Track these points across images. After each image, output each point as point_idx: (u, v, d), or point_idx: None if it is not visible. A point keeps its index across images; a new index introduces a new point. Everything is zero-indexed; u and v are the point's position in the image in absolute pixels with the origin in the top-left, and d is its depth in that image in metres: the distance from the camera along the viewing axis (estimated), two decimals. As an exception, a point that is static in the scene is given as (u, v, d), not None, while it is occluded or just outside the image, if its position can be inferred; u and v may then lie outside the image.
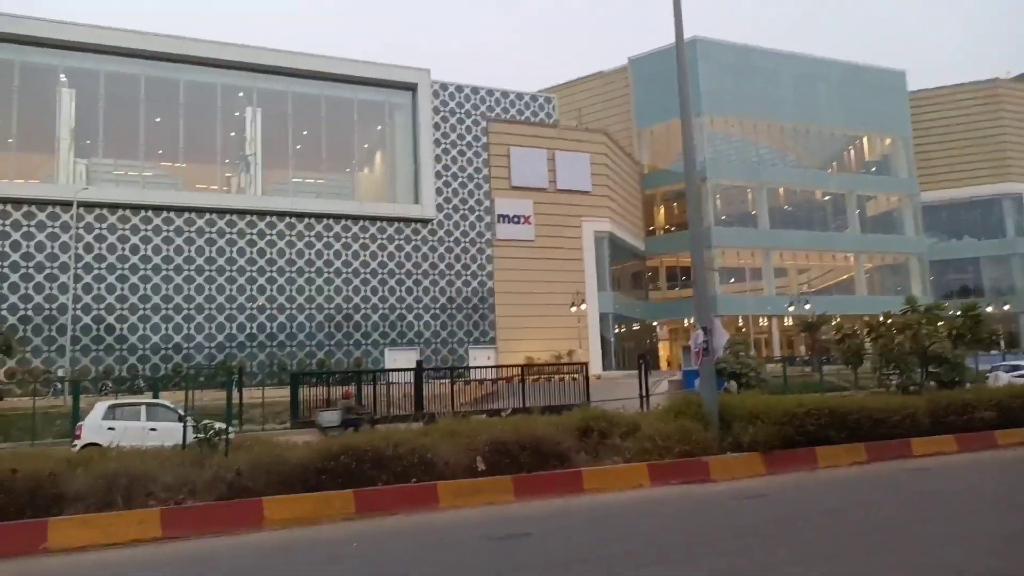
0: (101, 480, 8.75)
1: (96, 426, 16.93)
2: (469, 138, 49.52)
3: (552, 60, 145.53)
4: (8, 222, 38.99)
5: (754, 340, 56.40)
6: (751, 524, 8.83)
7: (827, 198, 66.21)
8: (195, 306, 41.95)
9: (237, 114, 45.57)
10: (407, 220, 47.21)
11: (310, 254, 44.75)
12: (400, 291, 46.61)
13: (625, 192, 57.67)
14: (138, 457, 9.55)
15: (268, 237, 43.98)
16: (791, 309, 56.42)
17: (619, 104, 64.36)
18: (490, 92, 51.13)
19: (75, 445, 16.38)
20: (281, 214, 44.33)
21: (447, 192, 48.44)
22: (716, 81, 59.10)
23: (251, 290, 43.19)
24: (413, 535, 8.92)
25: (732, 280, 65.12)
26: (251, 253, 43.47)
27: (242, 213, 43.57)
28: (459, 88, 50.04)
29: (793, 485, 11.61)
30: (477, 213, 48.95)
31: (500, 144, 49.84)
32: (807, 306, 53.67)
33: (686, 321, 58.81)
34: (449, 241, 48.08)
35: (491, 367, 33.01)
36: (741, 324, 59.78)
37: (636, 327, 59.09)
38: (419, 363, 29.17)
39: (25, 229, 39.20)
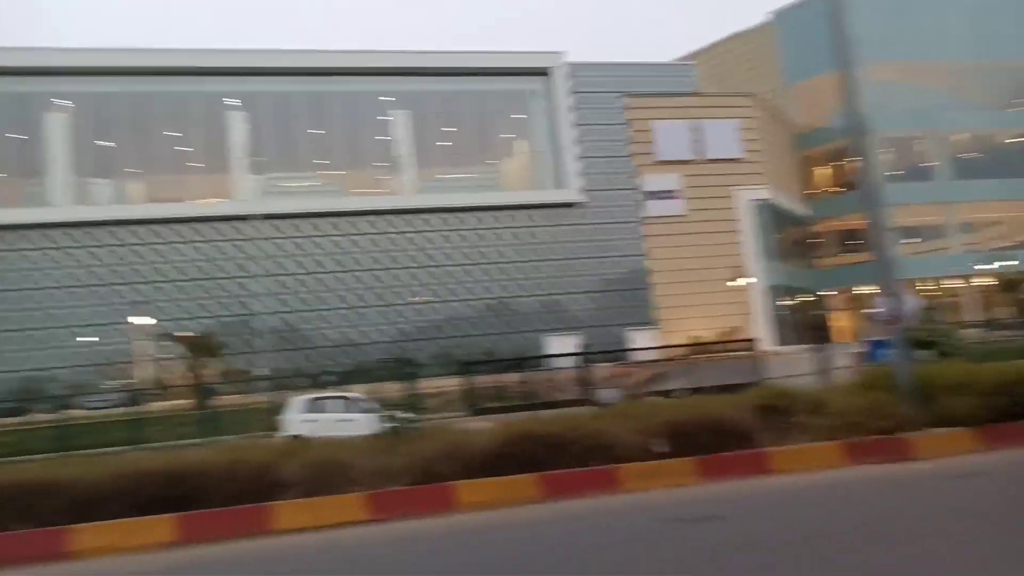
0: (310, 468, 9.54)
1: (297, 419, 18.43)
2: (609, 117, 48.70)
3: (686, 28, 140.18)
4: (201, 238, 43.41)
5: (943, 304, 51.58)
6: (971, 505, 8.06)
7: (1016, 140, 58.95)
8: (367, 304, 44.66)
9: (385, 118, 47.87)
10: (553, 206, 47.46)
11: (465, 247, 46.21)
12: (554, 277, 46.99)
13: (779, 155, 54.55)
14: (339, 447, 10.30)
15: (425, 233, 45.94)
16: (982, 267, 50.93)
17: (764, 63, 60.72)
18: (626, 67, 50.02)
19: (279, 437, 17.90)
20: (433, 211, 46.13)
21: (591, 174, 48.04)
22: (875, 24, 54.12)
23: (416, 285, 45.35)
24: (604, 516, 8.97)
25: (911, 240, 59.79)
26: (412, 250, 45.60)
27: (398, 213, 45.82)
28: (593, 67, 49.27)
29: (1013, 462, 10.48)
30: (624, 192, 48.19)
31: (641, 120, 48.69)
32: (998, 264, 48.12)
33: (859, 289, 54.74)
34: (598, 223, 47.70)
35: (654, 348, 32.49)
36: (925, 287, 54.78)
37: (804, 298, 55.86)
38: (585, 347, 29.31)
39: (215, 243, 43.48)
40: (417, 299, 45.04)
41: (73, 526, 8.67)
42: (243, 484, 9.26)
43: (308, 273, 44.37)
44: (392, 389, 26.71)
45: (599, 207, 47.78)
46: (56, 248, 42.35)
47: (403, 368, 32.97)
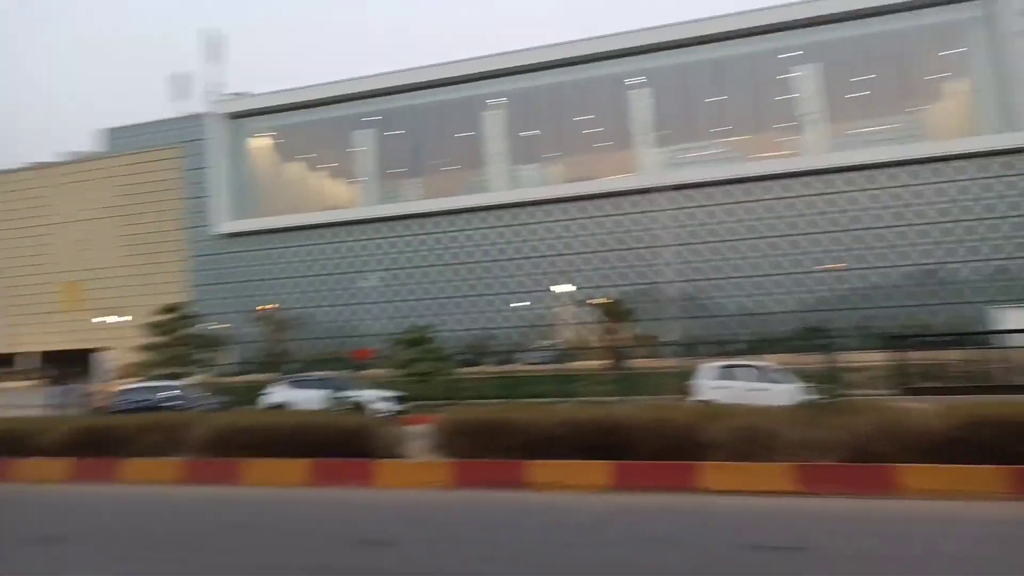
0: (735, 433, 9.59)
1: (708, 385, 18.66)
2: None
3: None
4: (613, 211, 46.48)
5: None
6: None
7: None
8: (778, 272, 43.07)
9: (788, 75, 45.01)
10: (999, 152, 39.42)
11: (892, 206, 41.36)
12: (1004, 238, 39.29)
13: None
14: (763, 415, 10.14)
15: (841, 194, 42.34)
16: None
17: None
18: None
19: (690, 400, 18.34)
20: (848, 169, 42.19)
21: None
22: None
23: (836, 251, 42.19)
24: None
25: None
26: (828, 212, 42.46)
27: (809, 174, 42.93)
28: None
29: None
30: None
31: None
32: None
33: None
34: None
35: None
36: None
37: None
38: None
39: (623, 217, 46.16)
40: (834, 265, 41.83)
41: (527, 461, 10.12)
42: (669, 440, 9.74)
43: (716, 241, 44.49)
44: (805, 361, 25.39)
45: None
46: (492, 227, 49.70)
47: (817, 339, 31.05)
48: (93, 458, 12.25)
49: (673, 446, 9.77)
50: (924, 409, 11.00)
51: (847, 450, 9.35)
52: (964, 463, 8.92)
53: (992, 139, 40.30)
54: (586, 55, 47.91)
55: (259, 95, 57.83)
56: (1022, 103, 39.36)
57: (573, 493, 9.55)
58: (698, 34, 45.48)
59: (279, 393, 22.19)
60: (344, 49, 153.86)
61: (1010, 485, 8.59)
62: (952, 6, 41.98)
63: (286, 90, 56.54)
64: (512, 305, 48.73)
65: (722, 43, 45.55)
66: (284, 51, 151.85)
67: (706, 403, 15.76)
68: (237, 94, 59.07)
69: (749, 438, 9.52)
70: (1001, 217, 39.57)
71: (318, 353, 48.29)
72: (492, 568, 6.48)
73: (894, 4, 42.19)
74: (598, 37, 47.84)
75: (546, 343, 46.04)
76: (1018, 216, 39.31)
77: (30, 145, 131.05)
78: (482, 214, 49.99)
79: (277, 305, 52.28)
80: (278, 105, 56.30)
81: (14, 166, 65.10)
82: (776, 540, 7.16)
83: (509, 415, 11.02)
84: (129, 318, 52.94)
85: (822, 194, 42.61)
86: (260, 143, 58.50)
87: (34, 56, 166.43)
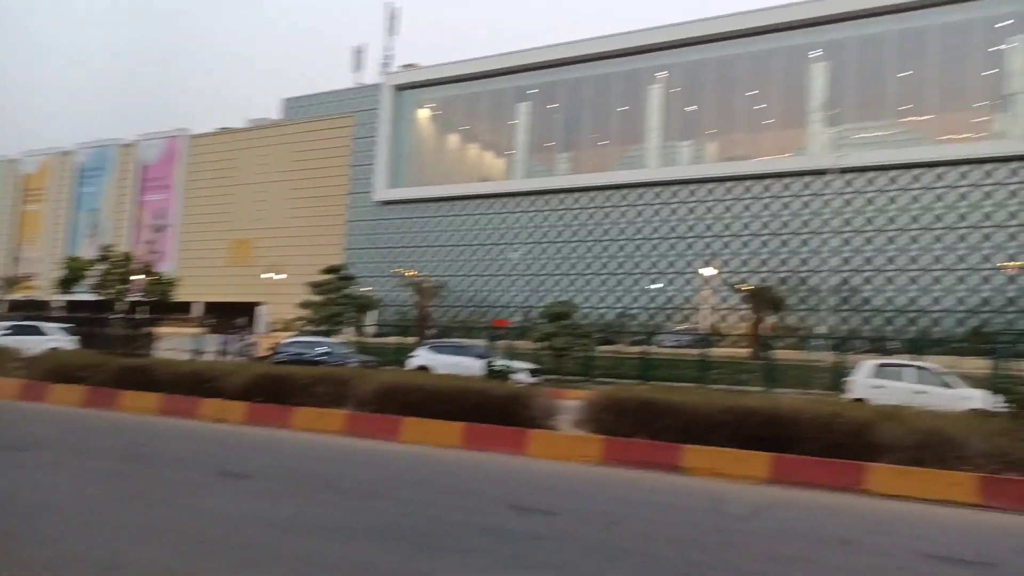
0: (913, 436, 8.97)
1: (865, 383, 17.61)
2: None
3: None
4: (769, 193, 44.38)
5: None
6: None
7: None
8: (944, 267, 39.61)
9: (995, 48, 40.55)
10: None
11: (1093, 200, 36.74)
12: None
13: None
14: (944, 420, 9.42)
15: (1036, 186, 38.07)
16: None
17: None
18: None
19: (843, 398, 17.37)
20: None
21: None
22: None
23: (1011, 248, 38.24)
24: None
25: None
26: (1012, 205, 38.40)
27: (1002, 160, 38.90)
28: None
29: None
30: None
31: None
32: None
33: None
34: None
35: None
36: None
37: None
38: None
39: (782, 199, 43.91)
40: (1009, 264, 37.92)
41: (684, 445, 9.98)
42: (839, 437, 9.26)
43: (878, 231, 41.45)
44: (972, 365, 23.40)
45: None
46: (641, 205, 48.86)
47: (986, 343, 28.46)
48: (267, 404, 13.34)
49: (842, 444, 9.29)
50: None
51: (1043, 466, 8.52)
52: None
53: None
54: (756, 27, 45.59)
55: (425, 68, 59.96)
56: None
57: (728, 482, 9.34)
58: (886, 3, 41.96)
59: (423, 356, 23.23)
60: (519, 19, 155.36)
61: None
62: None
63: (450, 63, 58.24)
64: (655, 285, 47.95)
65: (915, 12, 41.74)
66: (461, 21, 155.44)
67: (860, 401, 14.99)
68: (406, 66, 61.61)
69: (930, 443, 8.86)
70: None
71: (460, 320, 49.96)
72: (652, 548, 6.47)
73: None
74: (773, 8, 45.36)
75: (685, 326, 45.02)
76: None
77: (225, 110, 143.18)
78: (632, 191, 49.33)
79: (415, 272, 54.40)
80: (442, 78, 58.15)
81: (207, 130, 71.61)
82: (961, 553, 6.67)
83: (668, 397, 10.93)
84: (284, 276, 57.04)
85: (1007, 184, 38.48)
86: (423, 114, 60.76)
87: (231, 27, 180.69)
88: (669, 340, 38.30)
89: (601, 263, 49.92)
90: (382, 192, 58.72)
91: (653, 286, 47.96)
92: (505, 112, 56.83)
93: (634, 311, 48.18)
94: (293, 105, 65.93)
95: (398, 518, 6.94)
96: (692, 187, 47.18)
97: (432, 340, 29.50)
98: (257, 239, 64.33)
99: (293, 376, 13.83)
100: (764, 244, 44.56)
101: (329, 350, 22.70)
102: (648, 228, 48.51)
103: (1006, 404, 10.38)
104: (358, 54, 65.62)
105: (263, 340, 32.62)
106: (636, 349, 29.03)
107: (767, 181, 44.83)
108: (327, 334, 31.48)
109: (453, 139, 61.91)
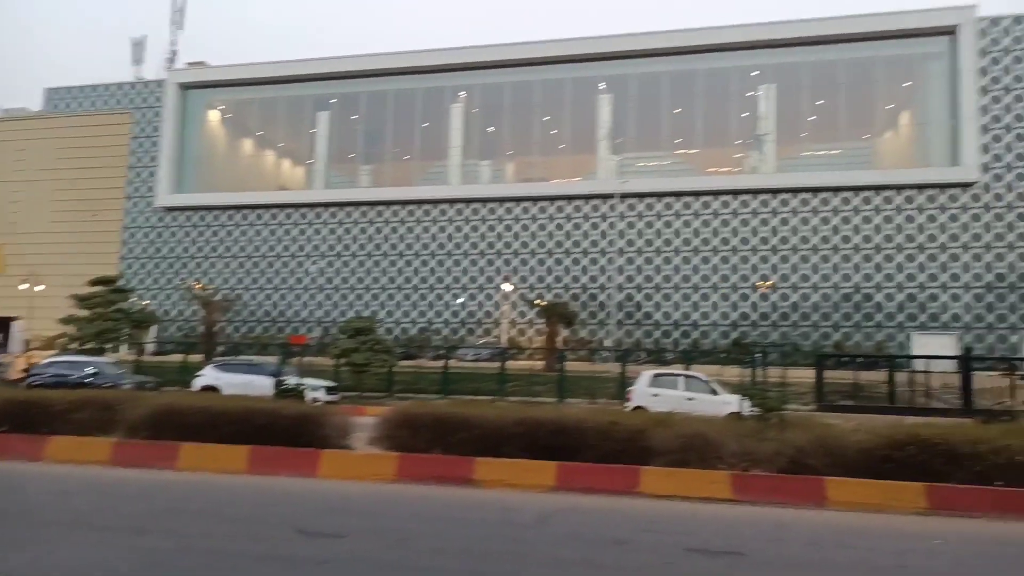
0: (679, 440, 9.87)
1: (644, 392, 19.08)
2: (1032, 80, 41.00)
3: None
4: (562, 214, 46.96)
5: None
6: None
7: None
8: (710, 285, 44.24)
9: (750, 94, 46.24)
10: (941, 186, 41.61)
11: (826, 230, 43.06)
12: (932, 268, 41.45)
13: None
14: (706, 424, 10.46)
15: (782, 215, 43.79)
16: None
17: None
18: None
19: (626, 407, 18.72)
20: (794, 190, 43.68)
21: (997, 148, 41.06)
22: None
23: (764, 269, 43.61)
24: (1014, 544, 7.79)
25: None
26: (764, 232, 43.85)
27: (755, 192, 44.29)
28: (1017, 20, 41.76)
29: None
30: (1040, 171, 40.31)
31: (1081, 82, 40.00)
32: None
33: None
34: (998, 207, 40.76)
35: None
36: None
37: None
38: (967, 350, 25.52)
39: (574, 220, 46.66)
40: (762, 283, 43.29)
41: (478, 458, 10.18)
42: (617, 444, 9.96)
43: (656, 252, 45.37)
44: (733, 373, 26.36)
45: (1002, 188, 40.69)
46: (442, 221, 49.52)
47: (744, 353, 32.12)
48: (15, 434, 11.71)
49: (620, 450, 9.99)
50: (847, 426, 11.56)
51: (783, 462, 9.74)
52: (893, 479, 9.43)
53: (936, 172, 42.34)
54: (551, 56, 48.23)
55: (216, 67, 56.24)
56: (967, 139, 41.23)
57: (519, 491, 9.66)
58: (663, 46, 46.32)
59: (209, 375, 21.74)
60: (312, 25, 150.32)
61: (932, 502, 9.12)
62: (914, 39, 43.68)
63: (244, 64, 55.23)
64: (458, 300, 48.66)
65: (686, 56, 46.45)
66: (250, 22, 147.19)
67: (638, 409, 16.14)
68: (194, 64, 57.38)
69: (694, 446, 9.81)
70: (932, 247, 41.62)
71: (254, 337, 47.25)
72: (442, 562, 6.51)
73: (855, 34, 43.69)
74: (564, 40, 48.22)
75: (485, 340, 46.18)
76: (945, 247, 41.41)
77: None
78: (434, 206, 49.76)
79: (201, 284, 50.82)
80: (234, 79, 54.87)
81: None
82: (716, 545, 7.42)
83: (462, 411, 11.07)
84: (42, 287, 50.64)
85: (763, 213, 44.01)
86: (213, 116, 56.86)
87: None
88: (470, 354, 39.02)
89: (404, 277, 49.82)
90: (166, 197, 54.14)
91: (457, 300, 48.67)
92: (305, 120, 54.99)
93: (437, 326, 48.58)
94: (57, 96, 58.72)
95: (169, 554, 6.38)
96: (492, 205, 48.69)
97: (220, 358, 27.65)
98: (12, 244, 56.43)
99: (49, 401, 12.25)
100: (558, 262, 47.03)
101: (97, 371, 20.54)
102: (450, 244, 49.24)
103: (753, 408, 11.77)
104: (138, 47, 60.03)
105: (18, 360, 28.79)
106: (437, 364, 29.24)
107: (560, 202, 47.50)
108: (98, 352, 28.36)
109: (248, 144, 58.68)
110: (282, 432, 10.92)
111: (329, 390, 21.29)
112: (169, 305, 52.44)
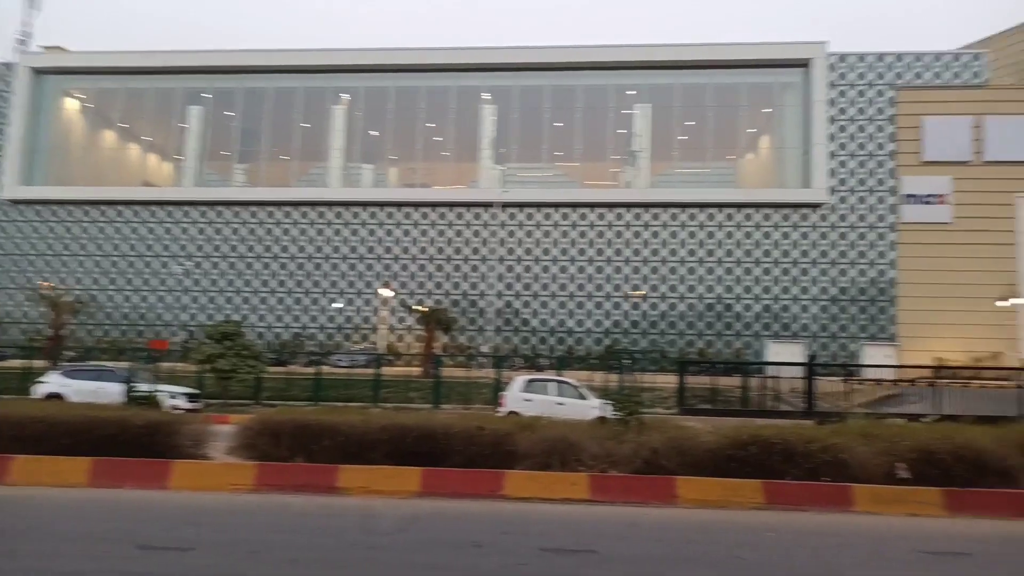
0: (543, 444, 10.15)
1: (517, 397, 19.41)
2: (872, 111, 45.11)
3: (974, 13, 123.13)
4: (444, 221, 47.03)
5: None
6: None
7: None
8: (585, 294, 45.63)
9: (626, 112, 48.13)
10: (794, 205, 44.94)
11: (692, 243, 45.42)
12: (785, 281, 44.66)
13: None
14: (569, 428, 10.80)
15: (653, 228, 45.82)
16: None
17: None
18: (899, 57, 45.82)
19: (499, 411, 18.99)
20: (665, 205, 45.81)
21: (842, 173, 44.87)
22: None
23: (636, 279, 45.48)
24: (834, 535, 8.56)
25: None
26: (636, 244, 45.73)
27: (629, 206, 46.10)
28: (861, 57, 45.80)
29: None
30: (878, 194, 44.41)
31: (910, 115, 44.28)
32: None
33: None
34: (843, 226, 44.48)
35: (891, 367, 29.92)
36: None
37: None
38: (811, 357, 27.66)
39: (455, 227, 46.84)
40: (633, 292, 45.17)
41: (341, 465, 10.03)
42: (483, 448, 10.11)
43: (534, 260, 46.32)
44: (603, 378, 27.30)
45: (846, 209, 44.52)
46: (318, 224, 48.34)
47: (615, 359, 33.39)
48: None
49: (486, 454, 10.15)
50: (707, 428, 12.30)
51: (639, 463, 10.23)
52: (736, 477, 10.12)
53: (790, 192, 45.45)
54: (435, 64, 48.19)
55: (75, 53, 52.15)
56: (818, 164, 44.47)
57: (383, 498, 9.61)
58: (544, 60, 47.36)
59: (54, 382, 20.18)
60: (198, 17, 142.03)
61: (766, 496, 9.87)
62: (774, 69, 46.67)
63: (107, 52, 51.49)
64: (336, 305, 47.52)
65: (567, 72, 47.71)
66: (128, 11, 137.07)
67: (515, 414, 16.42)
68: (50, 48, 52.92)
69: (557, 449, 10.11)
70: (786, 262, 44.80)
71: (110, 341, 44.09)
72: (295, 572, 6.39)
73: (725, 60, 46.34)
74: (448, 48, 48.34)
75: (361, 346, 45.37)
76: (797, 262, 44.74)
77: None
78: (312, 208, 48.40)
79: (50, 284, 47.03)
80: (96, 67, 51.04)
81: None
82: (571, 544, 7.70)
83: (326, 417, 10.87)
84: None
85: (635, 226, 45.91)
86: (70, 105, 52.64)
87: None
88: (344, 360, 38.13)
89: (278, 281, 48.11)
90: (12, 189, 49.61)
91: (334, 305, 47.52)
92: (174, 114, 52.01)
93: (312, 331, 47.24)
94: None
95: (-12, 575, 5.89)
96: (373, 209, 47.96)
97: (68, 364, 25.66)
98: None
99: None
100: (439, 268, 46.97)
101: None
102: (328, 247, 48.05)
103: (615, 412, 12.26)
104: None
105: None
106: (310, 370, 28.44)
107: (442, 209, 47.51)
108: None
109: (109, 136, 54.76)
110: (131, 442, 10.31)
111: (191, 397, 20.26)
112: (12, 306, 48.08)
